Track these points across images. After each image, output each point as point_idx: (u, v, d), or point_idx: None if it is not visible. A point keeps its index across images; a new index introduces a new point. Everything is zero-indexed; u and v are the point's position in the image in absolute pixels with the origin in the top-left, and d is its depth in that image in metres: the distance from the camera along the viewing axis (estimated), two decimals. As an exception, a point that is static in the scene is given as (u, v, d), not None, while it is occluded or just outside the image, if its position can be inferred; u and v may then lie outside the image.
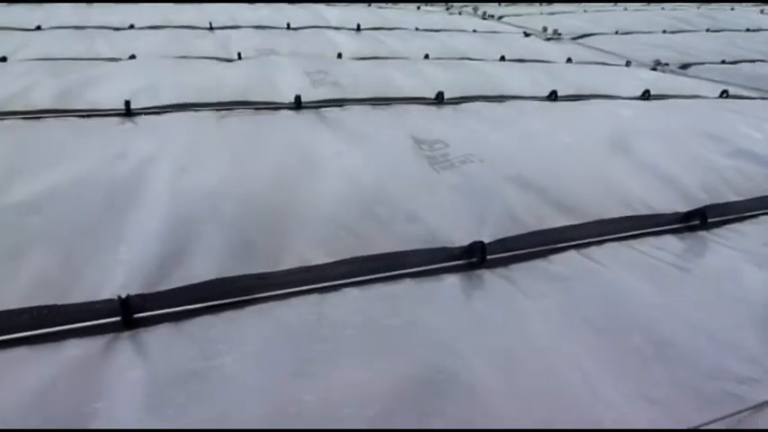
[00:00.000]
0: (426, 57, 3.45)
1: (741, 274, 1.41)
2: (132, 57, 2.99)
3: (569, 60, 3.88)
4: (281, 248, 1.33)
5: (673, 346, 1.12)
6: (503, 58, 3.63)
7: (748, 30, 5.90)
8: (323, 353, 1.02)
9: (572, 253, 1.42)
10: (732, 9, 7.26)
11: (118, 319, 1.09)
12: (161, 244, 1.31)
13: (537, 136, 2.05)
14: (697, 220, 1.61)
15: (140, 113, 2.06)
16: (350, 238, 1.38)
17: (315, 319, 1.11)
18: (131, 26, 4.01)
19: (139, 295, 1.13)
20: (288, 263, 1.29)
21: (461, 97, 2.53)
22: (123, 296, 1.10)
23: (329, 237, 1.38)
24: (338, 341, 1.06)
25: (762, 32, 5.68)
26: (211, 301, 1.15)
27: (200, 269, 1.25)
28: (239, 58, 3.04)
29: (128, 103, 2.05)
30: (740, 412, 0.94)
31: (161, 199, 1.45)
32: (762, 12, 7.18)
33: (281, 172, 1.62)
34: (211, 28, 4.10)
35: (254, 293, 1.18)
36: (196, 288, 1.17)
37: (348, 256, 1.30)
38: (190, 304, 1.15)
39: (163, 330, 1.08)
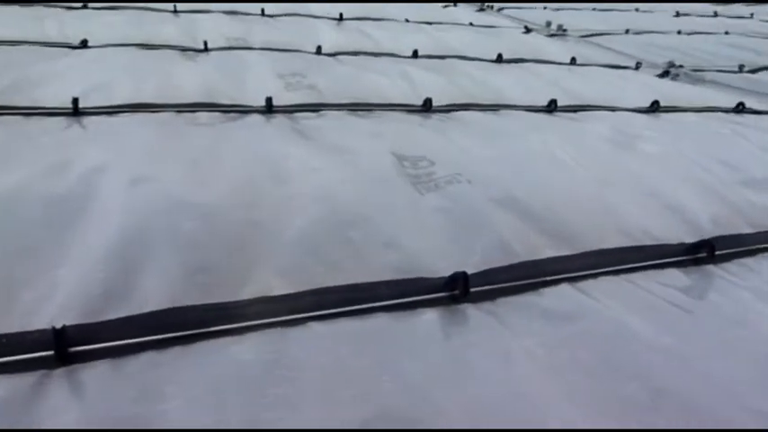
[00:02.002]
0: (415, 54, 3.48)
1: (751, 316, 1.43)
2: (84, 42, 2.98)
3: (573, 61, 3.92)
4: (242, 275, 1.33)
5: (672, 394, 1.13)
6: (500, 57, 3.67)
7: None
8: (280, 398, 1.02)
9: (565, 287, 1.44)
10: (751, 16, 7.41)
11: (51, 353, 1.08)
12: (106, 267, 1.30)
13: (532, 154, 2.07)
14: (704, 253, 1.63)
15: (90, 113, 2.05)
16: (319, 265, 1.38)
17: (274, 359, 1.11)
18: (84, 5, 3.97)
19: (77, 326, 1.12)
20: (248, 292, 1.29)
21: (451, 105, 2.55)
22: (58, 327, 1.09)
23: (296, 263, 1.38)
24: (298, 385, 1.06)
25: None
26: (159, 334, 1.15)
27: (150, 297, 1.24)
28: (206, 48, 3.04)
29: (75, 101, 2.04)
30: None
31: (109, 215, 1.45)
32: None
33: (246, 187, 1.62)
34: (176, 11, 4.09)
35: (207, 327, 1.17)
36: (142, 319, 1.16)
37: (316, 286, 1.31)
38: (134, 337, 1.14)
39: (101, 368, 1.07)
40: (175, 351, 1.12)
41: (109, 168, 1.60)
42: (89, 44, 2.98)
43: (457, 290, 1.35)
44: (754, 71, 4.58)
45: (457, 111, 2.49)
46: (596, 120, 2.62)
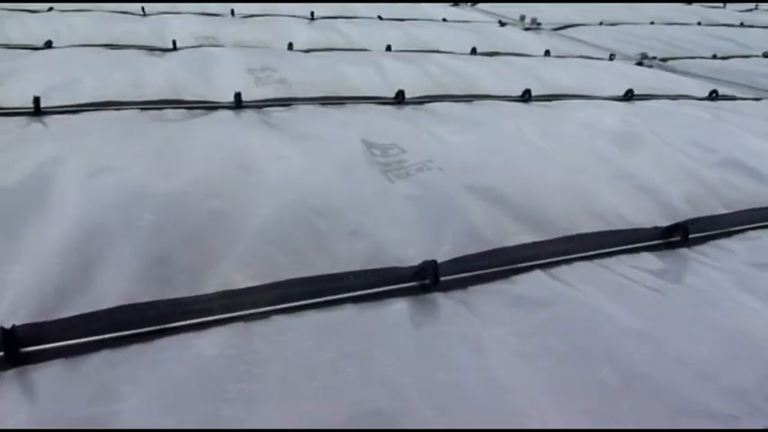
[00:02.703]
0: (388, 48, 3.45)
1: (724, 297, 1.42)
2: (49, 43, 2.91)
3: (547, 53, 3.92)
4: (204, 269, 1.29)
5: (645, 378, 1.11)
6: (474, 51, 3.65)
7: (742, 24, 6.08)
8: (243, 394, 0.98)
9: (537, 273, 1.41)
10: (724, 6, 7.48)
11: (0, 354, 1.03)
12: (62, 262, 1.25)
13: (505, 141, 2.05)
14: (678, 236, 1.62)
15: (52, 113, 2.00)
16: (284, 256, 1.34)
17: (237, 354, 1.07)
18: (50, 8, 3.90)
19: (28, 325, 1.07)
20: (210, 286, 1.25)
21: (424, 96, 2.52)
22: (8, 326, 1.04)
23: (261, 256, 1.34)
24: (262, 379, 1.02)
25: (756, 29, 5.86)
26: (117, 331, 1.10)
27: (107, 293, 1.20)
28: (174, 47, 2.99)
29: (37, 100, 1.98)
30: None
31: (65, 209, 1.40)
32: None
33: (209, 178, 1.58)
34: (144, 14, 4.02)
35: (167, 323, 1.13)
36: (98, 316, 1.12)
37: (281, 278, 1.27)
38: (90, 336, 1.09)
39: (55, 368, 1.03)
40: (133, 349, 1.08)
41: (66, 162, 1.55)
42: (54, 45, 2.91)
43: (427, 279, 1.32)
44: (726, 58, 4.61)
45: (430, 102, 2.46)
46: (571, 108, 2.61)
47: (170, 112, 2.08)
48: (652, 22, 5.69)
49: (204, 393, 0.99)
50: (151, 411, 0.95)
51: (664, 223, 1.67)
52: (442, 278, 1.33)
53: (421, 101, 2.47)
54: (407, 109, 2.37)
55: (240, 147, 1.74)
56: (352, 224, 1.47)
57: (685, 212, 1.78)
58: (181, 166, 1.62)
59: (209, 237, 1.38)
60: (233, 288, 1.23)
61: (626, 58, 4.57)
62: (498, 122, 2.27)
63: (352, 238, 1.43)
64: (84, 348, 1.07)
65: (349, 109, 2.25)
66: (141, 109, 2.09)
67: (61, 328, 1.09)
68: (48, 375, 1.02)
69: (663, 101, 2.96)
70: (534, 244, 1.50)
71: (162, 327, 1.13)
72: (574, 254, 1.49)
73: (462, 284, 1.35)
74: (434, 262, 1.32)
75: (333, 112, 2.17)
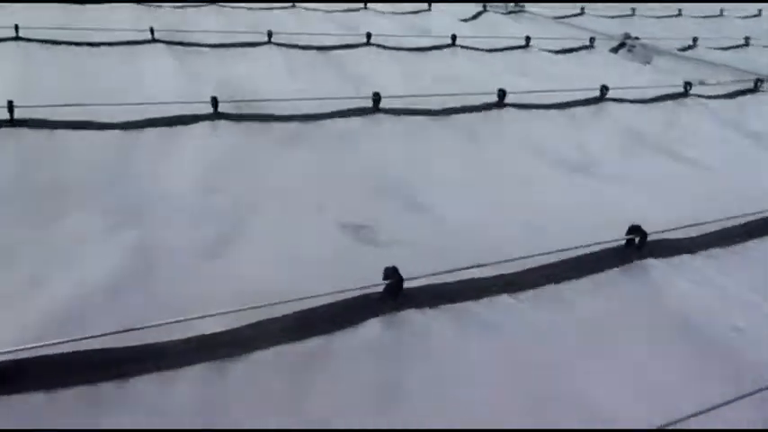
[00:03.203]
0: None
1: (681, 321, 1.46)
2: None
3: (528, 40, 3.94)
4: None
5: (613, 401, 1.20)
6: (453, 39, 3.69)
7: (722, 12, 6.15)
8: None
9: (504, 298, 1.46)
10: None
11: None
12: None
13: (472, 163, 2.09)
14: (639, 250, 1.65)
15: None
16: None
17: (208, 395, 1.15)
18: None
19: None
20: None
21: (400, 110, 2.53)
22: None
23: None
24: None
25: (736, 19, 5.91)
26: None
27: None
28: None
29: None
30: None
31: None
32: None
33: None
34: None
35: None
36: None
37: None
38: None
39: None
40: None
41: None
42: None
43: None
44: (705, 43, 4.64)
45: (405, 115, 2.49)
46: (544, 119, 2.64)
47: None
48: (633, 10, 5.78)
49: None
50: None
51: (623, 240, 1.70)
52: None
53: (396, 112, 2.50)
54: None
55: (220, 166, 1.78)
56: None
57: (650, 226, 1.79)
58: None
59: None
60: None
61: (608, 37, 4.58)
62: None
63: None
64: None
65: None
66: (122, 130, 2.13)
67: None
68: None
69: (635, 105, 2.97)
70: (501, 276, 1.52)
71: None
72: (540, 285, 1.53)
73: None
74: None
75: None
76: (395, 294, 1.36)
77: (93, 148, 2.03)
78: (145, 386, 1.16)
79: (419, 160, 2.18)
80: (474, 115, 2.56)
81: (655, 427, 1.10)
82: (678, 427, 1.08)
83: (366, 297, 1.38)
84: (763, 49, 4.51)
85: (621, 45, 4.65)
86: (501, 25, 4.80)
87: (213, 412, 1.10)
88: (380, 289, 1.37)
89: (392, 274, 1.36)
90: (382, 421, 1.11)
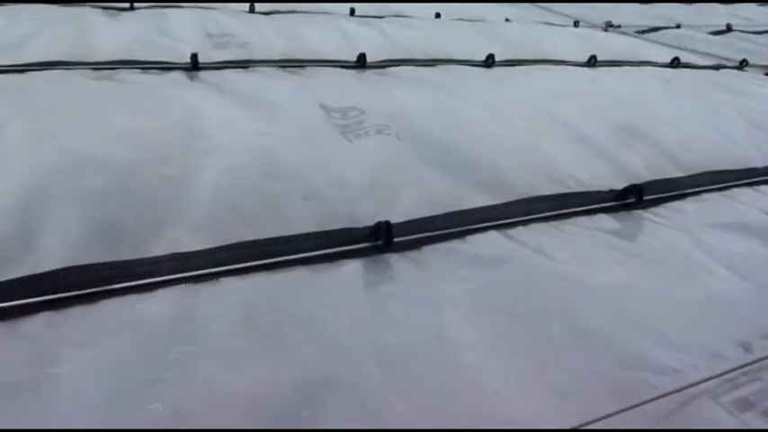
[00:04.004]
0: (352, 12, 3.38)
1: (676, 256, 1.43)
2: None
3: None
4: (152, 232, 1.25)
5: (592, 334, 1.11)
6: (438, 15, 3.61)
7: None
8: (186, 355, 0.96)
9: (492, 233, 1.40)
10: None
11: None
12: (2, 226, 1.20)
13: (465, 106, 2.02)
14: (633, 198, 1.62)
15: (-4, 72, 1.91)
16: (235, 220, 1.31)
17: (182, 315, 1.05)
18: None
19: (-35, 289, 1.03)
20: (158, 249, 1.21)
21: (387, 60, 2.48)
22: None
23: (211, 219, 1.30)
24: (206, 341, 0.99)
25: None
26: (58, 293, 1.06)
27: (51, 256, 1.15)
28: (131, 6, 2.88)
29: (-20, 58, 1.89)
30: (636, 406, 0.94)
31: (7, 171, 1.34)
32: None
33: (160, 144, 1.52)
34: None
35: (111, 284, 1.09)
36: (39, 278, 1.08)
37: (232, 242, 1.24)
38: (30, 298, 1.05)
39: (-8, 331, 0.99)
40: (76, 311, 1.04)
41: (8, 124, 1.48)
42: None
43: (380, 240, 1.30)
44: (691, 27, 4.63)
45: (392, 66, 2.42)
46: (534, 73, 2.59)
47: (123, 73, 2.00)
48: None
49: (146, 355, 0.96)
50: (90, 374, 0.92)
51: (620, 185, 1.67)
52: (397, 239, 1.31)
53: (383, 65, 2.43)
54: (369, 73, 2.33)
55: (193, 110, 1.67)
56: (306, 187, 1.44)
57: (642, 175, 1.78)
58: (130, 129, 1.56)
59: (158, 201, 1.33)
60: (180, 251, 1.19)
61: (590, 26, 4.56)
62: (459, 87, 2.23)
63: (306, 200, 1.40)
64: (24, 311, 1.03)
65: (309, 72, 2.20)
66: (93, 69, 2.01)
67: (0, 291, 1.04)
68: (-17, 339, 0.98)
69: (626, 67, 2.96)
70: (491, 207, 1.48)
71: (106, 288, 1.09)
72: (530, 215, 1.48)
73: (417, 245, 1.33)
74: (388, 222, 1.30)
75: (291, 75, 2.12)
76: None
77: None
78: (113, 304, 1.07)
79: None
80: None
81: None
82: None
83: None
84: (742, 35, 4.52)
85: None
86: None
87: (179, 339, 1.00)
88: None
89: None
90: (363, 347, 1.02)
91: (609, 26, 4.68)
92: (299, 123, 1.67)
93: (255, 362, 0.96)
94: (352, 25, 2.91)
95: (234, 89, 1.89)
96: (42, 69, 1.96)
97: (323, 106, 1.80)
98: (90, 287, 1.09)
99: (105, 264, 1.12)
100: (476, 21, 3.65)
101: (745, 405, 0.98)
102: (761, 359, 1.08)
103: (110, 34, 2.33)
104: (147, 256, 1.18)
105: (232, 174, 1.41)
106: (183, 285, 1.12)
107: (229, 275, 1.15)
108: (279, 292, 1.13)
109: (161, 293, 1.10)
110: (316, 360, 0.98)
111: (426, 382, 0.98)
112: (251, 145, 1.53)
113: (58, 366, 0.93)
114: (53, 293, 1.06)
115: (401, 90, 2.06)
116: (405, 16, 3.46)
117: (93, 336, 0.99)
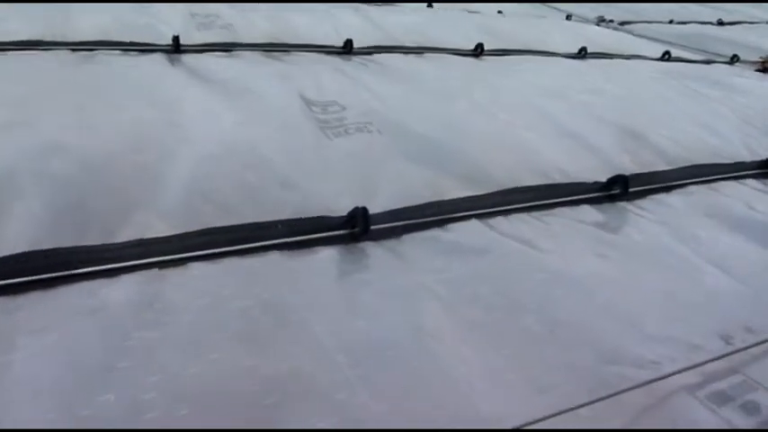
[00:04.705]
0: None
1: (658, 249, 1.39)
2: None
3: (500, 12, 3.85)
4: (121, 217, 1.20)
5: (570, 326, 1.08)
6: (430, 3, 3.56)
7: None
8: (145, 342, 0.92)
9: (474, 222, 1.37)
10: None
11: None
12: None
13: (451, 97, 1.98)
14: (618, 189, 1.59)
15: (-30, 51, 1.85)
16: (208, 207, 1.26)
17: (146, 301, 1.00)
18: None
19: None
20: (126, 234, 1.16)
21: (373, 47, 2.43)
22: None
23: (183, 206, 1.26)
24: (169, 327, 0.95)
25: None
26: (17, 277, 1.02)
27: (13, 240, 1.10)
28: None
29: (-46, 37, 1.83)
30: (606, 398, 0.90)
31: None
32: None
33: (133, 129, 1.47)
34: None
35: (73, 269, 1.05)
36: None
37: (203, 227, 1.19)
38: (-10, 282, 1.01)
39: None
40: (34, 296, 1.00)
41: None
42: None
43: (357, 227, 1.26)
44: (683, 23, 4.60)
45: (379, 53, 2.37)
46: (522, 63, 2.55)
47: (101, 55, 1.94)
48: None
49: (104, 341, 0.91)
50: (44, 362, 0.87)
51: (605, 178, 1.63)
52: (374, 227, 1.27)
53: (369, 51, 2.38)
54: (355, 60, 2.28)
55: (170, 97, 1.63)
56: (281, 177, 1.39)
57: (627, 168, 1.75)
58: (105, 114, 1.51)
59: (129, 187, 1.28)
60: (147, 237, 1.14)
61: (583, 21, 4.52)
62: (445, 77, 2.19)
63: (282, 190, 1.36)
64: (-20, 296, 0.98)
65: (292, 58, 2.14)
66: (72, 50, 1.95)
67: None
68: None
69: (616, 60, 2.92)
70: (472, 197, 1.44)
71: (67, 273, 1.04)
72: (511, 205, 1.44)
73: (396, 234, 1.29)
74: (365, 209, 1.25)
75: (274, 62, 2.06)
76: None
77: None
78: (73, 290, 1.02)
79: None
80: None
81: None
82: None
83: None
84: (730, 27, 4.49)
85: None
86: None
87: (141, 325, 0.95)
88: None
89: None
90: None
91: (601, 21, 4.64)
92: (278, 116, 1.63)
93: (219, 349, 0.92)
94: (340, 11, 2.85)
95: (214, 77, 1.84)
96: (19, 49, 1.90)
97: (304, 99, 1.75)
98: (51, 272, 1.04)
99: (67, 249, 1.08)
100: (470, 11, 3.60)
101: (723, 399, 0.95)
102: (740, 350, 1.05)
103: (90, 13, 2.27)
104: (114, 241, 1.13)
105: (206, 163, 1.37)
106: (148, 271, 1.07)
107: (199, 261, 1.11)
108: (249, 277, 1.09)
109: (125, 279, 1.05)
110: (283, 348, 0.94)
111: (397, 373, 0.94)
112: (228, 135, 1.49)
113: (10, 354, 0.88)
114: (11, 278, 1.02)
115: (384, 82, 2.02)
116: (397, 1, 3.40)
117: (50, 322, 0.95)
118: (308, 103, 1.76)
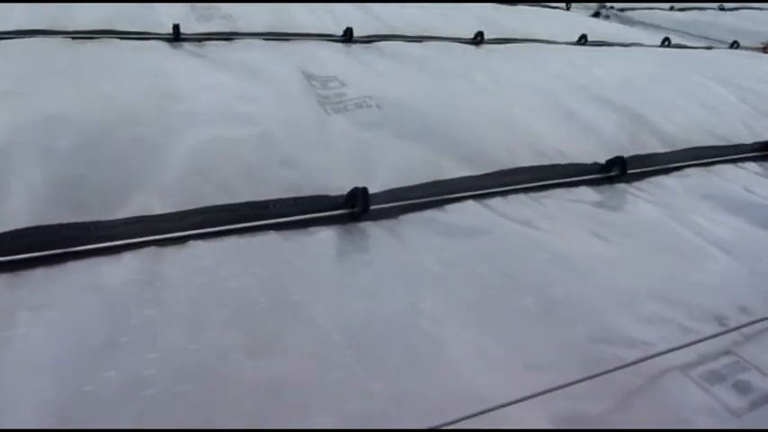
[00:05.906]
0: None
1: (656, 230, 1.39)
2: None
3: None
4: (121, 196, 1.20)
5: (567, 307, 1.08)
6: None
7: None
8: (145, 321, 0.92)
9: (471, 203, 1.36)
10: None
11: None
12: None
13: (450, 80, 1.97)
14: (616, 171, 1.58)
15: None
16: (207, 184, 1.26)
17: (146, 279, 1.00)
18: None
19: None
20: (126, 212, 1.16)
21: (374, 36, 2.41)
22: None
23: (183, 184, 1.26)
24: (169, 305, 0.95)
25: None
26: (19, 254, 1.02)
27: (13, 216, 1.10)
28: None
29: (-43, 24, 1.83)
30: (596, 376, 0.90)
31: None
32: None
33: (135, 107, 1.47)
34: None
35: (75, 246, 1.05)
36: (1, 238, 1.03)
37: (202, 206, 1.19)
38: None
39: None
40: (38, 272, 1.00)
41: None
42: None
43: (356, 206, 1.25)
44: (683, 9, 4.57)
45: (379, 41, 2.36)
46: (522, 51, 2.54)
47: (102, 42, 1.94)
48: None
49: (105, 319, 0.91)
50: (44, 338, 0.87)
51: (603, 159, 1.63)
52: (374, 207, 1.27)
53: (370, 39, 2.37)
54: (355, 47, 2.27)
55: (171, 74, 1.63)
56: (281, 155, 1.39)
57: (628, 151, 1.74)
58: (106, 92, 1.51)
59: (130, 164, 1.28)
60: (147, 214, 1.14)
61: (584, 9, 4.50)
62: (446, 61, 2.18)
63: (281, 168, 1.36)
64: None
65: (293, 44, 2.14)
66: (72, 38, 1.95)
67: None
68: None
69: (616, 47, 2.91)
70: (470, 177, 1.44)
71: (68, 250, 1.04)
72: (509, 186, 1.44)
73: (394, 214, 1.29)
74: (364, 189, 1.25)
75: (275, 47, 2.06)
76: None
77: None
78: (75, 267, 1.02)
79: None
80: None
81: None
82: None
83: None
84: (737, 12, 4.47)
85: (596, 14, 4.60)
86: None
87: (141, 303, 0.95)
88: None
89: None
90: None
91: (602, 7, 4.62)
92: (279, 92, 1.62)
93: (214, 329, 0.92)
94: (340, 5, 2.84)
95: (214, 56, 1.83)
96: (19, 37, 1.90)
97: (304, 73, 1.75)
98: (52, 248, 1.04)
99: (68, 225, 1.08)
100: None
101: (715, 378, 0.95)
102: (733, 329, 1.05)
103: (90, 5, 2.26)
104: (114, 218, 1.13)
105: (207, 139, 1.37)
106: (149, 248, 1.08)
107: (198, 239, 1.11)
108: (248, 256, 1.09)
109: (125, 257, 1.05)
110: (279, 327, 0.94)
111: (393, 352, 0.94)
112: (227, 110, 1.48)
113: (11, 329, 0.88)
114: (13, 254, 1.02)
115: (385, 63, 2.01)
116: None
117: (51, 298, 0.95)
118: (309, 77, 1.75)
